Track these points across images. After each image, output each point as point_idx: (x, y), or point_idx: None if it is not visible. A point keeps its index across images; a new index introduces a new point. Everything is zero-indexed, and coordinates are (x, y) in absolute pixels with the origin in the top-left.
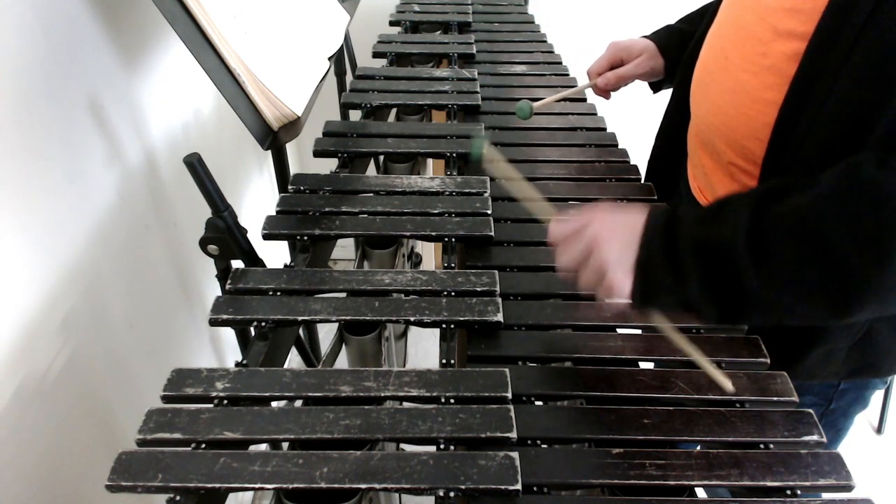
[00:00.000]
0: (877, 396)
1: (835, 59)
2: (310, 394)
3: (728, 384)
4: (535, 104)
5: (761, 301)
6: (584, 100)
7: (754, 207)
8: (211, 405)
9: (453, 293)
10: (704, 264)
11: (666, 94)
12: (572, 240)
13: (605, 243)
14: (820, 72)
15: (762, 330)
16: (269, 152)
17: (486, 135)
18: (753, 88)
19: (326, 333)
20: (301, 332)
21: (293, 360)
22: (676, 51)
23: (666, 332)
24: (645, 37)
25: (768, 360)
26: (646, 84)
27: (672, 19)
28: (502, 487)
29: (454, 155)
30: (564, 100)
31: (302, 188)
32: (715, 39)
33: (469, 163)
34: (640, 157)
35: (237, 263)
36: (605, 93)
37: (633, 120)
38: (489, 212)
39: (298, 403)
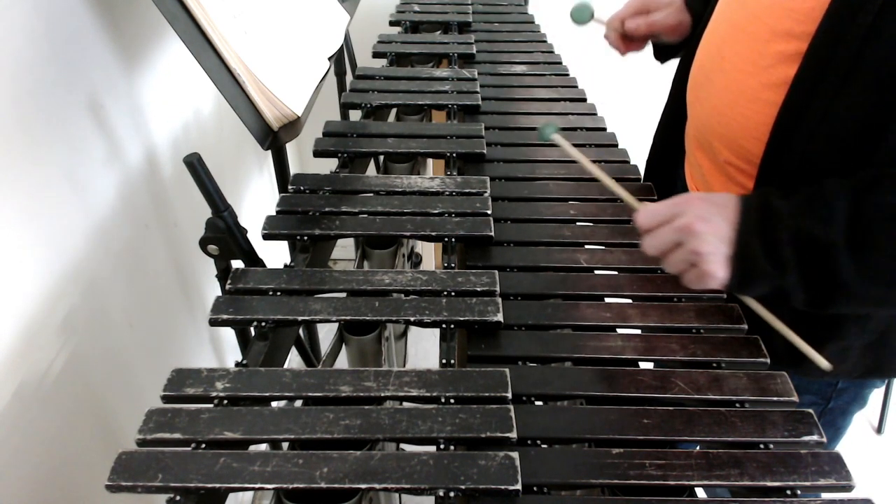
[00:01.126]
0: (876, 396)
1: (841, 59)
2: (310, 394)
3: (827, 364)
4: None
5: (855, 291)
6: (584, 100)
7: (852, 200)
8: (211, 405)
9: (453, 293)
10: (803, 257)
11: (664, 94)
12: (662, 227)
13: (700, 234)
14: (824, 72)
15: (774, 334)
16: (269, 152)
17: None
18: (750, 88)
19: (326, 333)
20: (301, 332)
21: (293, 360)
22: (701, 7)
23: (758, 310)
24: None
25: (768, 360)
26: (648, 67)
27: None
28: (502, 487)
29: (454, 155)
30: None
31: (302, 188)
32: (711, 39)
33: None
34: (639, 157)
35: (237, 263)
36: (629, 44)
37: (633, 120)
38: (489, 212)
39: (298, 403)
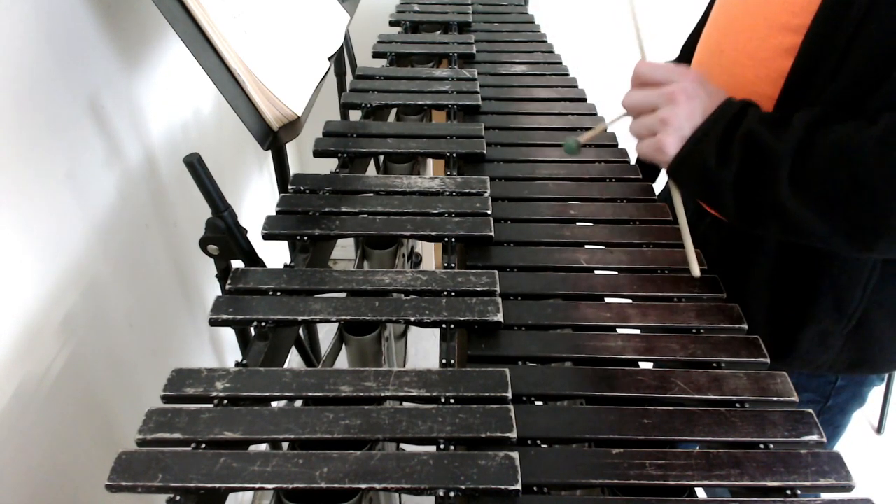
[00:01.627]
0: (876, 396)
1: (833, 53)
2: (310, 394)
3: (696, 270)
4: (581, 138)
5: (786, 211)
6: (584, 100)
7: (809, 125)
8: (211, 405)
9: (453, 293)
10: (748, 157)
11: None
12: (651, 87)
13: (677, 106)
14: (817, 66)
15: (753, 313)
16: (269, 152)
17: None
18: (748, 82)
19: (326, 333)
20: (301, 332)
21: (293, 360)
22: None
23: (677, 207)
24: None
25: (768, 360)
26: None
27: (671, 20)
28: (502, 487)
29: (454, 155)
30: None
31: (302, 188)
32: (710, 33)
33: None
34: None
35: (237, 263)
36: None
37: None
38: (489, 212)
39: (298, 403)
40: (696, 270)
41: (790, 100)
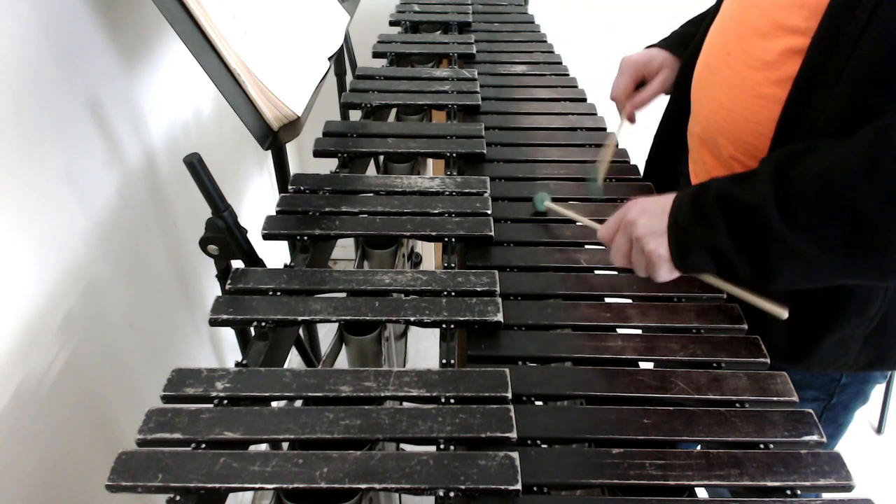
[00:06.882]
0: (877, 396)
1: (838, 54)
2: (310, 394)
3: (783, 312)
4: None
5: (790, 253)
6: (584, 100)
7: (780, 167)
8: (211, 405)
9: (453, 293)
10: (731, 215)
11: (664, 94)
12: (616, 235)
13: (637, 221)
14: (823, 67)
15: (773, 320)
16: (269, 152)
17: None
18: (756, 84)
19: (326, 333)
20: (301, 332)
21: (293, 360)
22: (686, 52)
23: (716, 283)
24: (655, 46)
25: (768, 360)
26: None
27: (671, 19)
28: (502, 487)
29: (454, 155)
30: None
31: (302, 188)
32: (717, 35)
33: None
34: (639, 156)
35: (237, 263)
36: (632, 119)
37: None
38: (489, 212)
39: (298, 403)
40: (782, 312)
41: (797, 102)
